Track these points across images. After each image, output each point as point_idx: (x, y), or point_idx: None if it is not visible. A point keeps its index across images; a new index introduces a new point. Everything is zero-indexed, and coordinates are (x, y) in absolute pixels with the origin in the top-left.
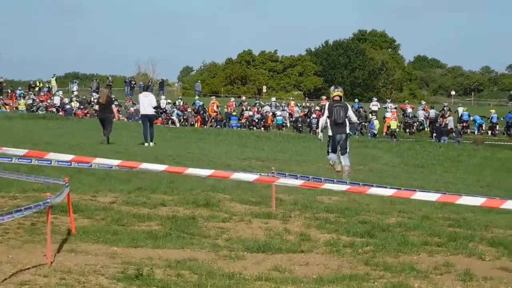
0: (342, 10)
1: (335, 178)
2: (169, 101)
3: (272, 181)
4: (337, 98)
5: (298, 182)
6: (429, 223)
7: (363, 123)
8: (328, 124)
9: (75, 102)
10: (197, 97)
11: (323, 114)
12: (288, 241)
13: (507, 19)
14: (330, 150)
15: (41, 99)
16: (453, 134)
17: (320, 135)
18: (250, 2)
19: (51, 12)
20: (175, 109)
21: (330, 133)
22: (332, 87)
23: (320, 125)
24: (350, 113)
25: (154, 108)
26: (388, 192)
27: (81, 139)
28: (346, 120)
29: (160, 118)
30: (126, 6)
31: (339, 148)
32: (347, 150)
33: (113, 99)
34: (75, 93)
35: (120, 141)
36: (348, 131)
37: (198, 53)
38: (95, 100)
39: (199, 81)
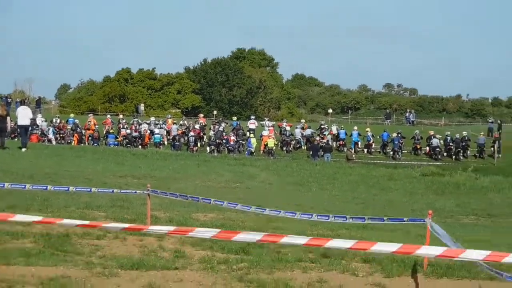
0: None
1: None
2: (44, 118)
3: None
4: None
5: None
6: None
7: (241, 141)
8: None
9: None
10: (72, 115)
11: None
12: (163, 258)
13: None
14: None
15: None
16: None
17: None
18: (133, 19)
19: None
20: (50, 127)
21: None
22: None
23: None
24: None
25: (30, 119)
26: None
27: None
28: None
29: (34, 133)
30: None
31: None
32: None
33: (9, 112)
34: None
35: None
36: None
37: (76, 72)
38: None
39: (142, 103)
